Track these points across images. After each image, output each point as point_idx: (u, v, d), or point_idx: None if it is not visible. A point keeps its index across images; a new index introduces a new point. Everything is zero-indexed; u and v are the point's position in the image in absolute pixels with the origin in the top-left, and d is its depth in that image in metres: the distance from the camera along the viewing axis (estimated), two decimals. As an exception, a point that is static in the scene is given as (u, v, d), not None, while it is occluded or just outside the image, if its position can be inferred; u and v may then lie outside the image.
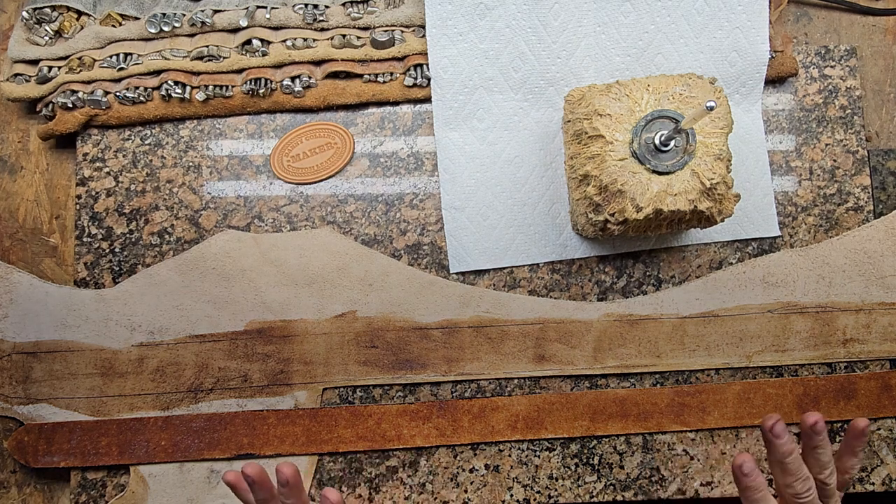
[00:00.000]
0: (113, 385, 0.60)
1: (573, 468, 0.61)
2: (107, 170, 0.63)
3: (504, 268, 0.62)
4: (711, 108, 0.47)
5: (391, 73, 0.62)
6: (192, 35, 0.62)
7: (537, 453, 0.61)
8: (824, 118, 0.64)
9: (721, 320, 0.62)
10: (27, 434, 0.59)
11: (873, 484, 0.62)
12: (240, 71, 0.61)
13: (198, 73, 0.61)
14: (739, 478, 0.52)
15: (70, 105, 0.61)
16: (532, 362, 0.61)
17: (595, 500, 0.61)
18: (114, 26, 0.61)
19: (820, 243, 0.62)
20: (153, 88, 0.61)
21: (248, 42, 0.60)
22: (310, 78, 0.61)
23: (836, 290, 0.62)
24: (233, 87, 0.61)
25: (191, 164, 0.63)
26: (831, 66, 0.64)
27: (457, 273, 0.62)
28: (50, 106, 0.61)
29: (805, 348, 0.62)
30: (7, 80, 0.62)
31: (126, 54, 0.61)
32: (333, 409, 0.60)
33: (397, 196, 0.63)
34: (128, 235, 0.62)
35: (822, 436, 0.52)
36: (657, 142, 0.52)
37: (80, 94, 0.60)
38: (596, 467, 0.61)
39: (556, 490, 0.61)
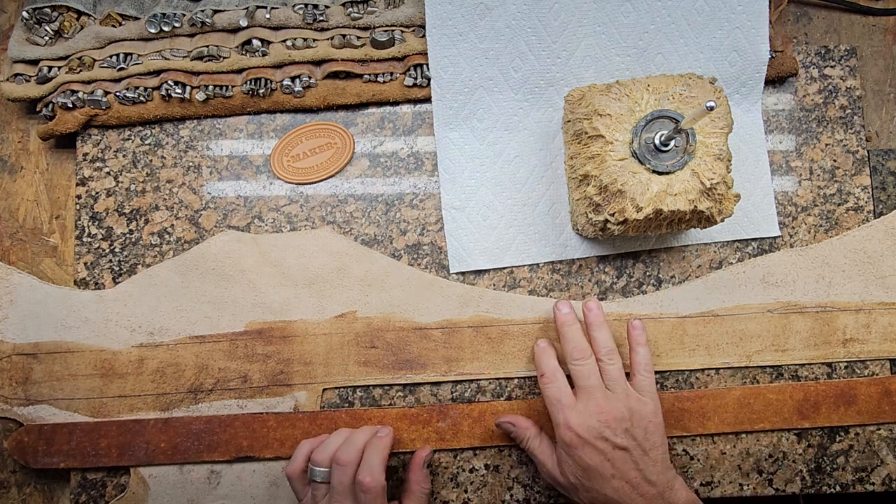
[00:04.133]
0: (113, 386, 0.60)
1: (573, 468, 0.61)
2: (107, 170, 0.63)
3: (504, 268, 0.62)
4: (711, 108, 0.47)
5: (391, 73, 0.62)
6: (192, 35, 0.61)
7: (537, 453, 0.61)
8: (824, 118, 0.64)
9: (721, 320, 0.62)
10: (27, 435, 0.59)
11: (873, 484, 0.62)
12: (240, 71, 0.61)
13: (198, 73, 0.61)
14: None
15: (70, 105, 0.61)
16: (532, 362, 0.61)
17: (595, 500, 0.61)
18: (114, 26, 0.61)
19: (820, 243, 0.62)
20: (153, 88, 0.61)
21: (248, 42, 0.60)
22: (310, 78, 0.61)
23: (835, 290, 0.62)
24: (233, 87, 0.61)
25: (191, 164, 0.63)
26: (831, 66, 0.64)
27: (457, 273, 0.62)
28: (50, 106, 0.61)
29: (805, 348, 0.62)
30: (7, 80, 0.62)
31: (126, 54, 0.61)
32: (333, 412, 0.60)
33: (397, 196, 0.63)
34: (128, 235, 0.62)
35: (593, 313, 0.58)
36: (657, 142, 0.52)
37: (80, 94, 0.60)
38: (596, 467, 0.61)
39: (556, 490, 0.61)
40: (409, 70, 0.62)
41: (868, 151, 0.64)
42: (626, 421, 0.53)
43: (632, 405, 0.54)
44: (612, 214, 0.53)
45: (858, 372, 0.62)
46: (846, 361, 0.62)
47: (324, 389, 0.61)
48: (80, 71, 0.61)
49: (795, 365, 0.62)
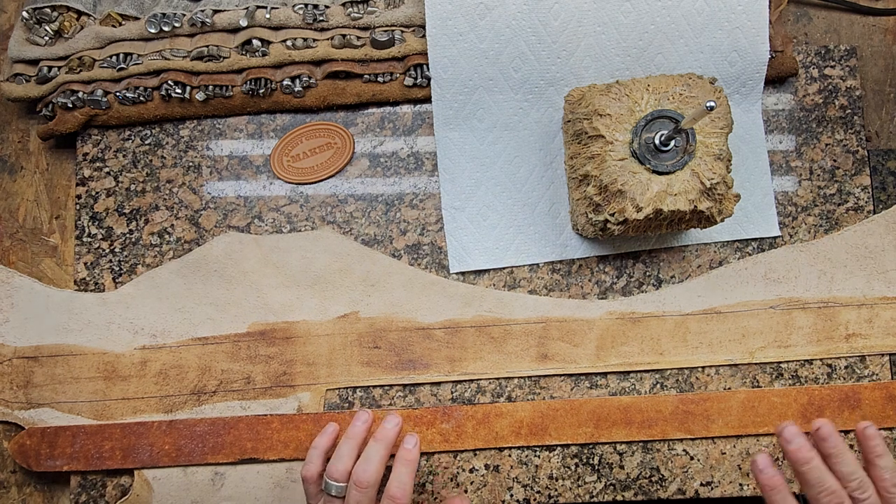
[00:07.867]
0: (116, 388, 0.60)
1: (573, 468, 0.61)
2: (107, 170, 0.63)
3: (504, 268, 0.62)
4: (711, 108, 0.47)
5: (391, 73, 0.62)
6: (192, 35, 0.61)
7: (537, 453, 0.61)
8: (824, 118, 0.64)
9: (723, 317, 0.62)
10: (30, 438, 0.59)
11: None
12: (240, 71, 0.61)
13: (198, 73, 0.61)
14: (756, 475, 0.48)
15: (70, 105, 0.60)
16: (535, 361, 0.61)
17: (595, 500, 0.61)
18: (114, 26, 0.61)
19: (821, 239, 0.63)
20: (153, 88, 0.61)
21: (248, 42, 0.60)
22: (310, 78, 0.61)
23: (837, 286, 0.62)
24: (233, 87, 0.61)
25: (191, 164, 0.63)
26: (831, 66, 0.65)
27: (457, 273, 0.62)
28: (50, 106, 0.61)
29: (807, 344, 0.62)
30: (7, 80, 0.61)
31: (126, 54, 0.61)
32: (337, 413, 0.60)
33: (397, 196, 0.63)
34: (128, 235, 0.62)
35: (829, 441, 0.47)
36: (657, 142, 0.52)
37: (80, 94, 0.60)
38: (596, 467, 0.61)
39: (556, 490, 0.61)
40: (409, 70, 0.62)
41: (868, 151, 0.64)
42: None
43: None
44: (612, 214, 0.54)
45: (858, 372, 0.62)
46: (847, 358, 0.62)
47: (327, 390, 0.61)
48: (80, 71, 0.61)
49: (795, 365, 0.62)
